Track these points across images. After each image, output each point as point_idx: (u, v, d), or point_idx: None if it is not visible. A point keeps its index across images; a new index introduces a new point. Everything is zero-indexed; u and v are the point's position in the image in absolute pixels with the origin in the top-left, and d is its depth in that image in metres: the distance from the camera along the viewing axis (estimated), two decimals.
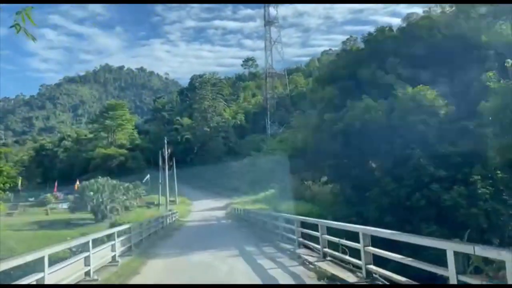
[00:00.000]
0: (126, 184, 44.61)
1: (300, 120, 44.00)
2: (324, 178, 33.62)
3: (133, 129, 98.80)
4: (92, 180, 41.03)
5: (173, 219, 30.52)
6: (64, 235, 26.16)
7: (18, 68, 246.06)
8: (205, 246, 15.77)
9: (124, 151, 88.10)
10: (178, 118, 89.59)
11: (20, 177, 62.63)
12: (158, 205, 48.86)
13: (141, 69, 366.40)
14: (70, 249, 11.64)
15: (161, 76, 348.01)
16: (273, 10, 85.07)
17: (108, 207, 36.89)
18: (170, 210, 34.62)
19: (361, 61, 34.11)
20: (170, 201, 51.99)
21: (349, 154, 28.99)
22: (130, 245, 14.52)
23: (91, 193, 38.44)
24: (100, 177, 42.41)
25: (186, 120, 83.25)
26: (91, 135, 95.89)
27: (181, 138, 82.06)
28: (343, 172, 29.62)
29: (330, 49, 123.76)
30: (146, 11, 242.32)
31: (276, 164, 41.22)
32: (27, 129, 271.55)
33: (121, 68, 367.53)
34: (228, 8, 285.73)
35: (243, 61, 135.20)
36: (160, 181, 45.33)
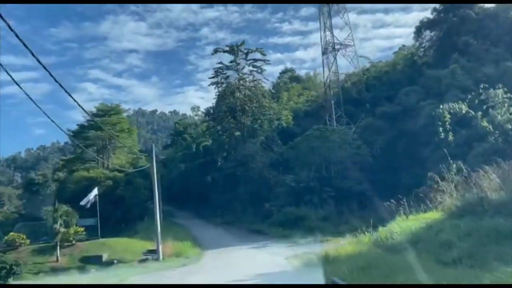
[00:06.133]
0: None
1: None
2: None
3: (133, 145, 69.88)
4: None
5: None
6: None
7: (61, 120, 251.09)
8: None
9: (115, 173, 59.00)
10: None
11: None
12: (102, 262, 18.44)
13: (174, 112, 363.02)
14: None
15: (193, 117, 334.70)
16: None
17: None
18: None
19: None
20: (147, 252, 21.77)
21: None
22: None
23: None
24: None
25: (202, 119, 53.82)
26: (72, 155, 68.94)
27: (196, 147, 52.56)
28: None
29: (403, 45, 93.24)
30: (181, 60, 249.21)
31: None
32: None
33: (154, 112, 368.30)
34: (257, 68, 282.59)
35: (280, 73, 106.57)
36: None
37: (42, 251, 21.27)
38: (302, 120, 58.36)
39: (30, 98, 13.32)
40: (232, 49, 46.75)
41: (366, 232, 16.10)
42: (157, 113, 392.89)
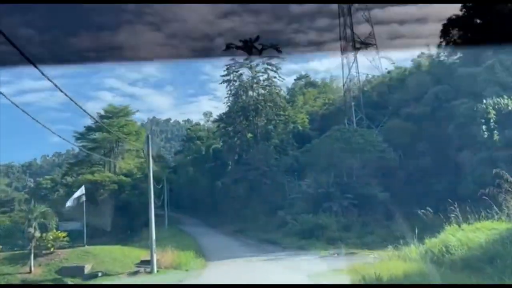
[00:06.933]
0: None
1: None
2: None
3: (141, 148, 67.08)
4: None
5: None
6: None
7: (76, 128, 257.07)
8: None
9: (121, 177, 56.34)
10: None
11: None
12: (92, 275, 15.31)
13: (188, 121, 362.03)
14: None
15: (205, 124, 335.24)
16: None
17: None
18: None
19: None
20: (140, 263, 18.53)
21: None
22: None
23: None
24: None
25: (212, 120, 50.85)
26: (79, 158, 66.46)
27: (205, 150, 49.47)
28: None
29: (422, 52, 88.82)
30: (196, 70, 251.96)
31: None
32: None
33: (168, 120, 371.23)
34: (272, 66, 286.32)
35: (294, 79, 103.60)
36: None
37: (15, 260, 18.21)
38: (319, 124, 55.04)
39: (24, 111, 13.20)
40: (246, 45, 43.67)
41: (412, 244, 12.63)
42: (171, 121, 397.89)
